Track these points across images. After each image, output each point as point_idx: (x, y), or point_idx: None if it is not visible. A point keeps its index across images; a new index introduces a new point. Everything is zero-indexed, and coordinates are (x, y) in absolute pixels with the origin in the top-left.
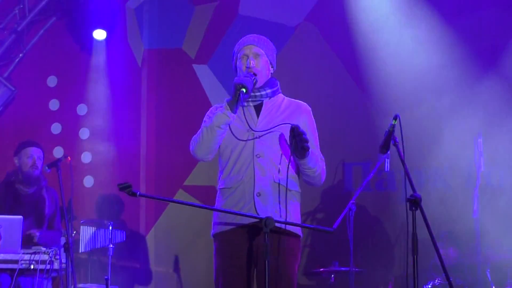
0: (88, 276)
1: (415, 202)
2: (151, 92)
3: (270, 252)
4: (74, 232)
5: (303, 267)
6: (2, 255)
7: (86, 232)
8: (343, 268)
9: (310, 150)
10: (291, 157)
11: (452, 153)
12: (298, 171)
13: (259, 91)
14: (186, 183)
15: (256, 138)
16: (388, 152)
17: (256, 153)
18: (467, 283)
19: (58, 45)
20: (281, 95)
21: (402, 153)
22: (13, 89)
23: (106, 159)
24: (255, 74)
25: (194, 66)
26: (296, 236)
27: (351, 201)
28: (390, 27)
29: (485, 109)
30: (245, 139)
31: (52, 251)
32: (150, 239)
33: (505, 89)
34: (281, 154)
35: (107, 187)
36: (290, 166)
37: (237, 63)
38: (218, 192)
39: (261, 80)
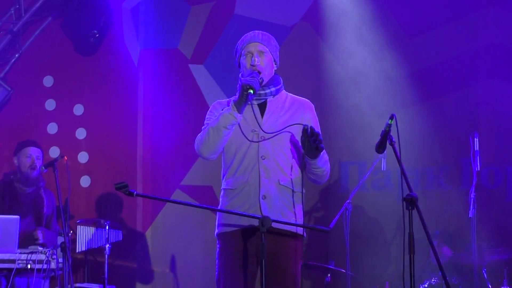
0: (85, 275)
1: (411, 202)
2: (147, 92)
3: (272, 253)
4: (71, 231)
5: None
6: None
7: (83, 232)
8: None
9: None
10: (296, 158)
11: (448, 152)
12: (302, 172)
13: (263, 90)
14: (183, 183)
15: (260, 139)
16: (385, 152)
17: (261, 155)
18: (463, 282)
19: (54, 45)
20: (284, 92)
21: (399, 153)
22: (10, 89)
23: (103, 159)
24: (259, 72)
25: (191, 66)
26: (301, 237)
27: (348, 201)
28: (386, 26)
29: (481, 108)
30: (250, 140)
31: (49, 250)
32: (147, 238)
33: (501, 88)
34: (286, 156)
35: (103, 186)
36: (295, 167)
37: (241, 59)
38: (222, 192)
39: (265, 78)
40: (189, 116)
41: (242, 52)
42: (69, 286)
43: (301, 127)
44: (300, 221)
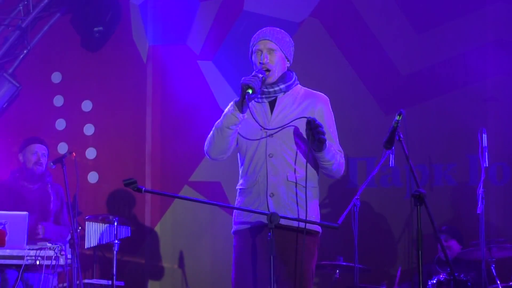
0: (94, 271)
1: (419, 198)
2: (156, 88)
3: (283, 249)
4: (79, 228)
5: None
6: (8, 251)
7: (91, 228)
8: (348, 263)
9: (327, 142)
10: (307, 153)
11: (456, 149)
12: (316, 166)
13: (273, 87)
14: (191, 179)
15: (268, 136)
16: (393, 148)
17: (268, 153)
18: (472, 279)
19: (62, 41)
20: (298, 87)
21: (407, 149)
22: (18, 85)
23: (111, 155)
24: (268, 70)
25: (199, 62)
26: (314, 233)
27: (356, 197)
28: (395, 23)
29: (489, 104)
30: (258, 138)
31: (58, 247)
32: (155, 234)
33: (510, 84)
34: (295, 151)
35: (112, 183)
36: (305, 162)
37: (252, 57)
38: (237, 192)
39: (275, 76)
40: (198, 113)
41: (253, 49)
42: (77, 282)
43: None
44: (314, 217)
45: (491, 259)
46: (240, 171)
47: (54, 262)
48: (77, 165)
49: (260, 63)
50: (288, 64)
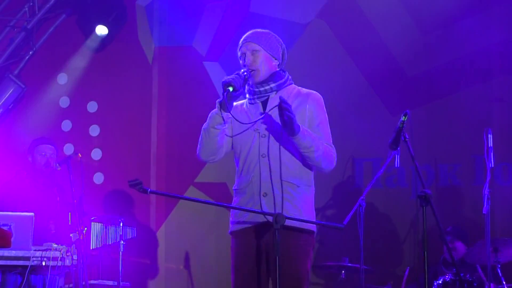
0: (99, 272)
1: (425, 199)
2: (161, 89)
3: (282, 250)
4: (85, 228)
5: (313, 264)
6: (13, 252)
7: (96, 229)
8: (354, 265)
9: (301, 127)
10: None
11: (462, 149)
12: (309, 165)
13: (263, 86)
14: (197, 180)
15: (261, 137)
16: (398, 148)
17: (261, 153)
18: (477, 279)
19: (68, 43)
20: (292, 87)
21: (412, 150)
22: (23, 86)
23: (117, 156)
24: (253, 70)
25: (205, 63)
26: (307, 232)
27: (361, 197)
28: (401, 24)
29: (495, 104)
30: (251, 139)
31: (64, 248)
32: (160, 235)
33: None
34: (288, 151)
35: (117, 184)
36: (299, 162)
37: (240, 61)
38: (233, 192)
39: (263, 75)
40: (203, 114)
41: (239, 53)
42: (83, 283)
43: (302, 118)
44: (309, 215)
45: (497, 259)
46: (236, 172)
47: (60, 263)
48: (83, 166)
49: (244, 65)
50: (276, 63)
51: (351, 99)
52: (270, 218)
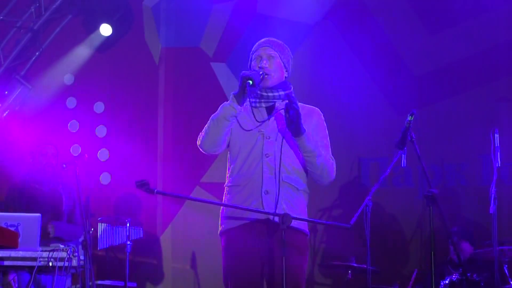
0: (106, 273)
1: (432, 199)
2: (168, 90)
3: (276, 248)
4: (92, 229)
5: (319, 264)
6: (21, 252)
7: (103, 229)
8: (360, 265)
9: (307, 130)
10: (300, 158)
11: (469, 149)
12: (306, 172)
13: (272, 92)
14: (203, 180)
15: (265, 139)
16: (405, 148)
17: (265, 153)
18: (484, 279)
19: (74, 43)
20: None
21: (419, 150)
22: (30, 87)
23: (123, 157)
24: (267, 74)
25: (212, 64)
26: (303, 234)
27: (368, 197)
28: (408, 24)
29: (502, 104)
30: (254, 139)
31: (71, 248)
32: (167, 235)
33: None
34: (290, 155)
35: (124, 184)
36: (298, 167)
37: (252, 64)
38: (226, 190)
39: (273, 81)
40: (210, 114)
41: (253, 56)
42: (90, 283)
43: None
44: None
45: (504, 259)
46: (230, 170)
47: (67, 264)
48: (90, 167)
49: (259, 67)
50: (286, 74)
51: (357, 99)
52: (271, 217)
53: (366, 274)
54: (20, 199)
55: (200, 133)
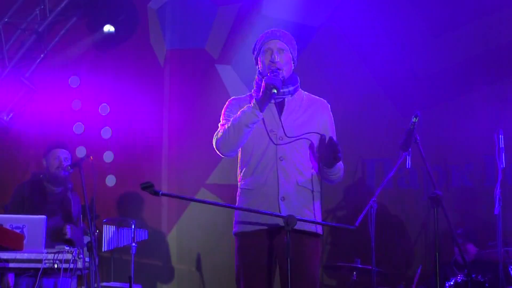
0: (111, 274)
1: (436, 200)
2: (173, 92)
3: (292, 252)
4: (97, 231)
5: (324, 265)
6: (26, 254)
7: (108, 231)
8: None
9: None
10: (313, 160)
11: (473, 150)
12: (318, 171)
13: (282, 88)
14: (208, 181)
15: (279, 141)
16: (409, 149)
17: (279, 156)
18: (489, 280)
19: (79, 45)
20: (300, 91)
21: (423, 151)
22: (35, 89)
23: (128, 158)
24: (279, 69)
25: (217, 66)
26: (317, 235)
27: (373, 198)
28: (412, 26)
29: (506, 105)
30: (267, 140)
31: (76, 250)
32: (172, 237)
33: None
34: (304, 157)
35: (129, 186)
36: (312, 167)
37: (260, 56)
38: (239, 191)
39: (284, 76)
40: (215, 116)
41: (262, 48)
42: (95, 285)
43: (320, 131)
44: (319, 219)
45: (509, 260)
46: (243, 171)
47: (72, 266)
48: (95, 169)
49: (270, 61)
50: (293, 67)
51: (362, 101)
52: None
53: (371, 275)
54: (31, 199)
55: (216, 134)
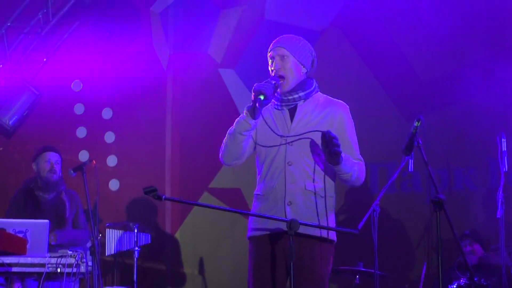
0: (115, 278)
1: (438, 204)
2: (176, 96)
3: (300, 256)
4: (100, 235)
5: None
6: (29, 259)
7: (112, 235)
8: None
9: (342, 155)
10: (323, 163)
11: (475, 153)
12: (333, 176)
13: (291, 95)
14: (211, 185)
15: (287, 143)
16: (412, 153)
17: (287, 161)
18: (492, 283)
19: (82, 49)
20: (319, 94)
21: (425, 155)
22: (38, 93)
23: (132, 163)
24: (281, 77)
25: (220, 70)
26: (327, 241)
27: (376, 202)
28: (416, 30)
29: (508, 109)
30: (277, 145)
31: (79, 254)
32: (175, 241)
33: None
34: (313, 161)
35: (132, 190)
36: (323, 172)
37: (269, 65)
38: (254, 197)
39: (291, 83)
40: (218, 121)
41: (268, 56)
42: None
43: (330, 125)
44: (332, 225)
45: (511, 264)
46: (258, 178)
47: (75, 270)
48: (98, 173)
49: (272, 69)
50: (304, 70)
51: (365, 105)
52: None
53: (374, 278)
54: (24, 207)
55: (221, 146)
